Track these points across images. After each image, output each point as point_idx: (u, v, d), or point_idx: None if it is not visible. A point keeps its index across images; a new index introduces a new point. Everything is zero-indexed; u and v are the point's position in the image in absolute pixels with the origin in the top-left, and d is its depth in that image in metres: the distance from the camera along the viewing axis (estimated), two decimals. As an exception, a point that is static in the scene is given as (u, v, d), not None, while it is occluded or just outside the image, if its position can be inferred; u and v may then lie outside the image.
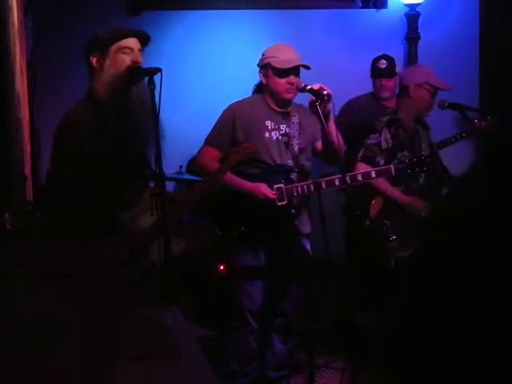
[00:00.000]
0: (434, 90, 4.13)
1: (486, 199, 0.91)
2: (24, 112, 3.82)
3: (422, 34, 5.28)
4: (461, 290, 0.89)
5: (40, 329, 1.60)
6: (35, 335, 1.60)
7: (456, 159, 4.21)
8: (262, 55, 3.66)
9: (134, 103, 2.73)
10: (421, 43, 5.29)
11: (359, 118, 4.49)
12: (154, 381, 1.74)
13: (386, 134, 4.07)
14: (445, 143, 4.28)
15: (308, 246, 3.74)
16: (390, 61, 4.62)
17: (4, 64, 3.69)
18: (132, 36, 2.80)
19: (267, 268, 3.62)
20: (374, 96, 4.70)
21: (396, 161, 3.95)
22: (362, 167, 3.97)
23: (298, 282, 3.77)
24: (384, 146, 4.05)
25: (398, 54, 5.33)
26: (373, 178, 3.61)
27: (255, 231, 3.56)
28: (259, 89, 3.71)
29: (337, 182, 3.52)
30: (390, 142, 4.06)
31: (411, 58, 5.28)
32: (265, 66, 3.60)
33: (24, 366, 1.59)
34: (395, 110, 4.18)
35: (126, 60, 2.75)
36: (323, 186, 3.54)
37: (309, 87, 3.51)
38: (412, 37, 5.29)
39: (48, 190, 2.80)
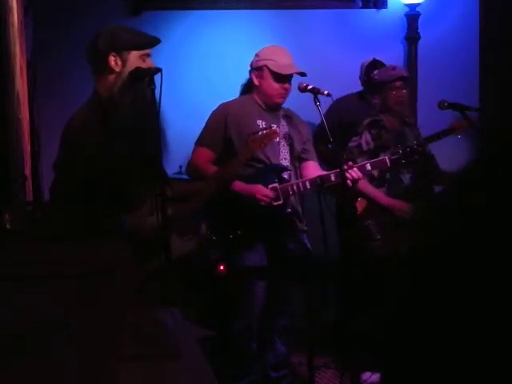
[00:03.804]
0: (398, 86, 4.15)
1: (485, 200, 0.91)
2: (24, 112, 3.81)
3: (422, 34, 5.28)
4: (456, 294, 0.89)
5: (40, 329, 1.60)
6: (35, 335, 1.60)
7: (451, 158, 4.21)
8: (257, 56, 3.65)
9: (138, 104, 2.73)
10: (421, 43, 5.29)
11: (349, 116, 4.52)
12: (154, 381, 1.74)
13: (366, 137, 4.11)
14: (426, 141, 4.32)
15: (307, 242, 3.73)
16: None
17: (4, 64, 3.68)
18: (153, 46, 2.80)
19: (269, 268, 3.61)
20: (361, 95, 4.73)
21: (389, 152, 3.98)
22: None
23: (299, 280, 3.77)
24: (365, 148, 4.08)
25: (398, 53, 5.33)
26: (368, 170, 3.62)
27: (252, 233, 3.54)
28: (247, 89, 3.71)
29: (333, 178, 3.51)
30: (372, 143, 4.10)
31: (411, 58, 5.28)
32: (260, 68, 3.60)
33: (24, 366, 1.59)
34: (378, 112, 4.23)
35: (143, 66, 2.75)
36: (318, 182, 3.53)
37: (310, 87, 3.53)
38: (412, 37, 5.29)
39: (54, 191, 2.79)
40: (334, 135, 4.14)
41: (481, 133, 4.32)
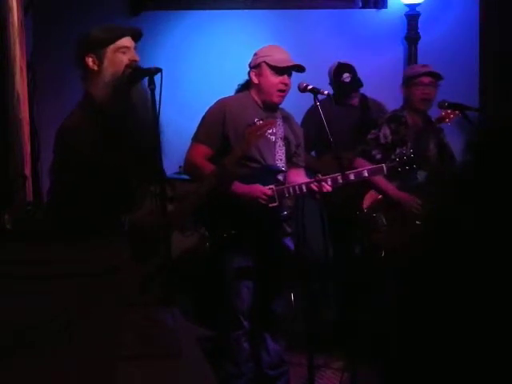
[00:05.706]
0: (425, 83, 4.15)
1: (481, 198, 0.91)
2: (24, 112, 3.81)
3: (421, 34, 5.28)
4: (459, 290, 0.89)
5: (40, 329, 1.60)
6: (35, 335, 1.60)
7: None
8: (255, 55, 3.65)
9: (135, 104, 2.73)
10: (421, 43, 5.29)
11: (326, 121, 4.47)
12: (154, 381, 1.74)
13: (385, 130, 4.14)
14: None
15: (290, 245, 3.73)
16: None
17: (4, 64, 3.68)
18: (127, 35, 2.79)
19: (256, 269, 3.61)
20: (334, 98, 4.63)
21: (393, 156, 3.99)
22: (360, 161, 4.04)
23: (287, 282, 3.78)
24: (382, 141, 4.13)
25: (398, 54, 5.34)
26: (365, 176, 3.61)
27: (246, 233, 3.53)
28: (244, 88, 3.71)
29: (329, 182, 3.51)
30: (390, 137, 4.13)
31: (411, 58, 5.29)
32: (258, 65, 3.60)
33: (24, 366, 1.59)
34: (402, 108, 4.26)
35: (124, 59, 2.74)
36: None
37: (310, 87, 3.52)
38: (412, 37, 5.29)
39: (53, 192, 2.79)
40: (313, 143, 4.24)
41: (480, 132, 4.33)
